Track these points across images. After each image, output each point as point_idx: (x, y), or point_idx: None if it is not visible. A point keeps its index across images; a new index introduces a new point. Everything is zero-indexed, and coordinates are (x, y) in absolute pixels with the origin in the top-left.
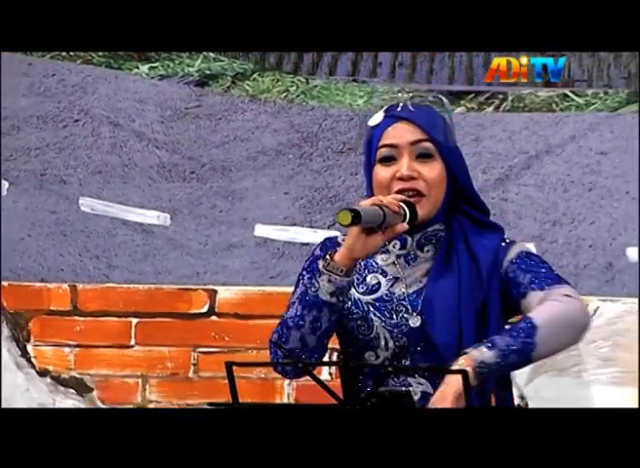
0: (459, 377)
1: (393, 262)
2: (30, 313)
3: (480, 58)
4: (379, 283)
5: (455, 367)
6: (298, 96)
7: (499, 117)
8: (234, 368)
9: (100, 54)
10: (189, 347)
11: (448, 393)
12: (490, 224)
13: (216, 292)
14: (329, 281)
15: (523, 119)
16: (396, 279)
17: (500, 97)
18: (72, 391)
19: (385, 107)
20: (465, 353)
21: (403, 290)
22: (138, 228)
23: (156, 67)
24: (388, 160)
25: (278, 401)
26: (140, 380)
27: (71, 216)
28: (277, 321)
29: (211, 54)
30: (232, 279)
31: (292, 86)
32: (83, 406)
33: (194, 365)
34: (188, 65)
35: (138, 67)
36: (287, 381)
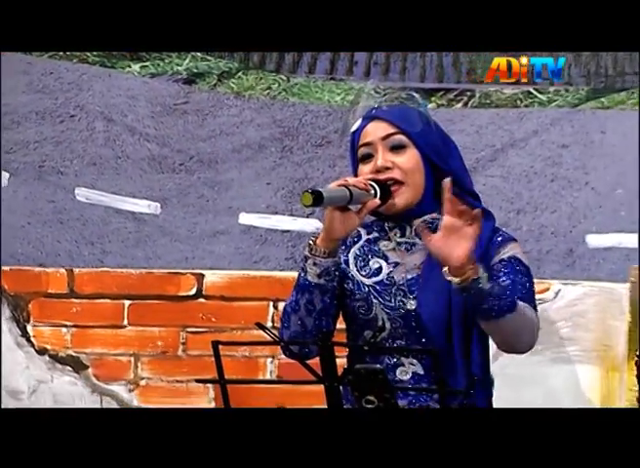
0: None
1: (394, 249)
2: (30, 295)
3: (449, 58)
4: (380, 267)
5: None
6: (279, 93)
7: (467, 113)
8: (220, 346)
9: (95, 53)
10: (178, 327)
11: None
12: (481, 210)
13: (203, 275)
14: (314, 264)
15: (489, 114)
16: (397, 264)
17: (469, 93)
18: (69, 368)
19: (366, 112)
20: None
21: (402, 275)
22: (130, 216)
23: (147, 66)
24: (367, 157)
25: (261, 377)
26: (132, 358)
27: (68, 205)
28: (261, 303)
29: (198, 53)
30: (218, 264)
31: (274, 84)
32: (79, 382)
33: (183, 344)
34: (177, 64)
35: (130, 66)
36: (269, 359)
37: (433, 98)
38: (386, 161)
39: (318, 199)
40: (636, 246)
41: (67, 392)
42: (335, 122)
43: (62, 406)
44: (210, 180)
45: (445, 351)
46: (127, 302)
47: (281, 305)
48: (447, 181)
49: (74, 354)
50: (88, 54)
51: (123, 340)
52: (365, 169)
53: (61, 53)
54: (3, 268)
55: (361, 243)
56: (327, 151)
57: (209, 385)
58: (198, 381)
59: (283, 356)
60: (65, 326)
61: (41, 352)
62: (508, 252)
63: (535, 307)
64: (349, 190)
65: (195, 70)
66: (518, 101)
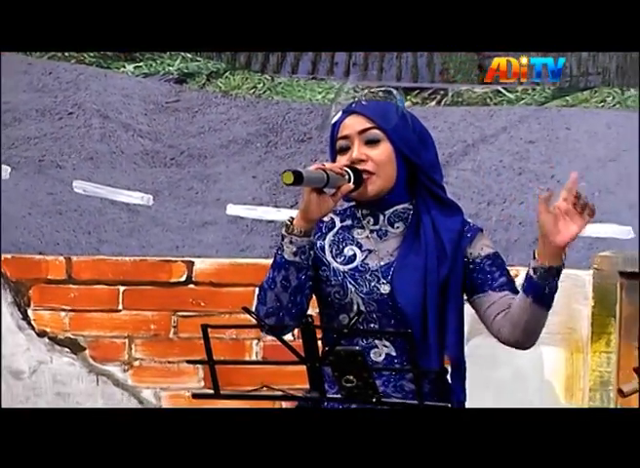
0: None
1: (367, 236)
2: (30, 282)
3: (424, 59)
4: (354, 254)
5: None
6: (264, 92)
7: (440, 110)
8: (209, 329)
9: (91, 54)
10: (170, 311)
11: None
12: (449, 203)
13: (193, 263)
14: (290, 242)
15: (461, 112)
16: (370, 251)
17: (442, 92)
18: (67, 350)
19: (346, 106)
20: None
21: (376, 261)
22: (124, 207)
23: (140, 66)
24: (344, 149)
25: (247, 358)
26: (126, 340)
27: (66, 197)
28: (247, 289)
29: (188, 55)
30: (207, 252)
31: (259, 83)
32: (77, 363)
33: (174, 327)
34: (169, 65)
35: (124, 66)
36: (255, 341)
37: (409, 97)
38: (361, 154)
39: (298, 178)
40: (599, 235)
41: (66, 372)
42: (316, 119)
43: (61, 385)
44: (199, 174)
45: (420, 333)
46: (122, 288)
47: (256, 292)
48: (574, 175)
49: (72, 336)
50: (85, 55)
51: (118, 324)
52: (342, 160)
53: (60, 54)
54: (5, 256)
55: (335, 230)
56: (309, 146)
57: (198, 365)
58: (188, 362)
59: (268, 338)
60: (64, 310)
61: (41, 335)
62: (483, 246)
63: (514, 289)
64: (327, 174)
65: (185, 70)
66: (488, 100)
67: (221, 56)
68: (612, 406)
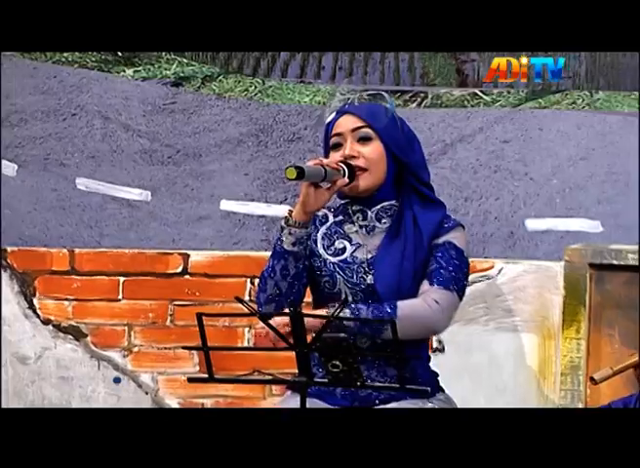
0: None
1: (356, 231)
2: (36, 273)
3: (405, 63)
4: (344, 248)
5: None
6: (256, 94)
7: (420, 112)
8: (204, 317)
9: (93, 59)
10: (167, 301)
11: None
12: (433, 199)
13: (188, 255)
14: (289, 233)
15: (440, 114)
16: (359, 245)
17: (422, 95)
18: (70, 337)
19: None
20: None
21: (364, 255)
22: (124, 203)
23: (139, 71)
24: (337, 146)
25: (240, 344)
26: (126, 328)
27: (69, 194)
28: (239, 279)
29: (184, 60)
30: (202, 245)
31: (251, 86)
32: (79, 349)
33: (171, 315)
34: (166, 69)
35: (124, 71)
36: (247, 328)
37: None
38: (353, 150)
39: (300, 173)
40: (569, 229)
41: (69, 358)
42: (304, 120)
43: (65, 369)
44: (194, 171)
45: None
46: (122, 279)
47: (257, 281)
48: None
49: (75, 324)
50: (87, 59)
51: (118, 312)
52: (335, 156)
53: (63, 58)
54: (12, 249)
55: (328, 224)
56: (298, 146)
57: (194, 351)
58: (184, 348)
59: (259, 325)
60: (67, 299)
61: (46, 322)
62: (448, 236)
63: (454, 287)
64: (325, 169)
65: (181, 74)
66: (465, 102)
67: (215, 60)
68: (582, 389)
